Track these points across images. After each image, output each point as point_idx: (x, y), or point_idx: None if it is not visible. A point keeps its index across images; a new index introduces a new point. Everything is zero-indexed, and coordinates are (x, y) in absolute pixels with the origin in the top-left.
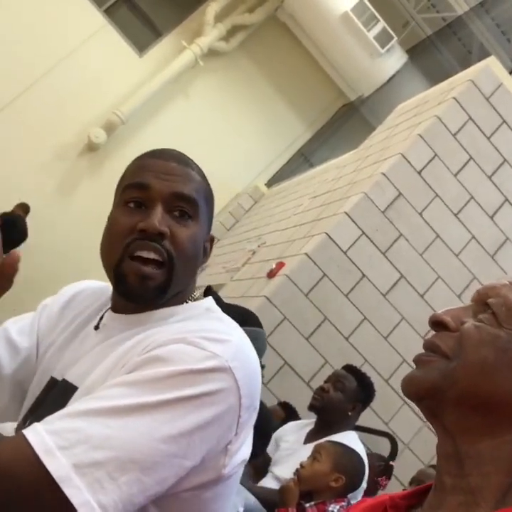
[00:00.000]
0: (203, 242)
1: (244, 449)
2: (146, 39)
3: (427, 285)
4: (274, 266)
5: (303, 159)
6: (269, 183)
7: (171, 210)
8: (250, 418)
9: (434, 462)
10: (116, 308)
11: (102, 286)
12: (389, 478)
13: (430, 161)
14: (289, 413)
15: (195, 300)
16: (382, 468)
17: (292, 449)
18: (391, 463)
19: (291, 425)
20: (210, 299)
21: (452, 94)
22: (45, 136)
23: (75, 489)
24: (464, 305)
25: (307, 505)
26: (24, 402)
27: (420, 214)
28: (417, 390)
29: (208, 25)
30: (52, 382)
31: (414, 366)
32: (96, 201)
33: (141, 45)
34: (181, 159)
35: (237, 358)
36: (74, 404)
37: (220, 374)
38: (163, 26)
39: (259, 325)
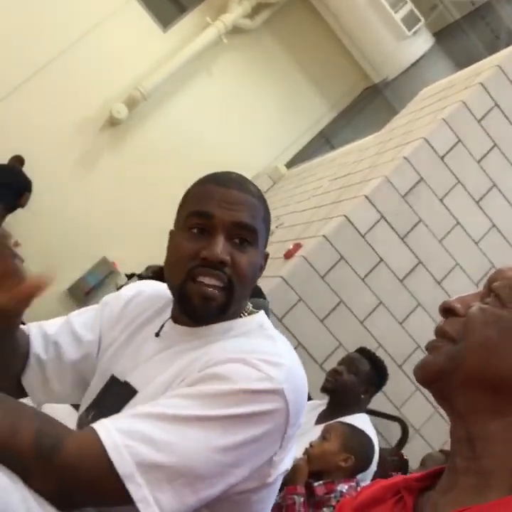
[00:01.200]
0: (260, 262)
1: (286, 460)
2: (171, 14)
3: (445, 272)
4: (291, 247)
5: (324, 141)
6: (289, 164)
7: (231, 238)
8: (294, 433)
9: (445, 448)
10: (176, 319)
11: (159, 290)
12: (405, 473)
13: (453, 146)
14: None
15: (249, 314)
16: (396, 462)
17: (304, 429)
18: (405, 457)
19: None
20: (262, 314)
21: (478, 80)
22: (67, 110)
23: (136, 486)
24: (475, 292)
25: (315, 484)
26: (86, 393)
27: (441, 200)
28: (426, 375)
29: (233, 1)
30: (113, 381)
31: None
32: (116, 176)
33: (165, 21)
34: (242, 186)
35: (289, 380)
36: (139, 408)
37: (273, 395)
38: (187, 2)
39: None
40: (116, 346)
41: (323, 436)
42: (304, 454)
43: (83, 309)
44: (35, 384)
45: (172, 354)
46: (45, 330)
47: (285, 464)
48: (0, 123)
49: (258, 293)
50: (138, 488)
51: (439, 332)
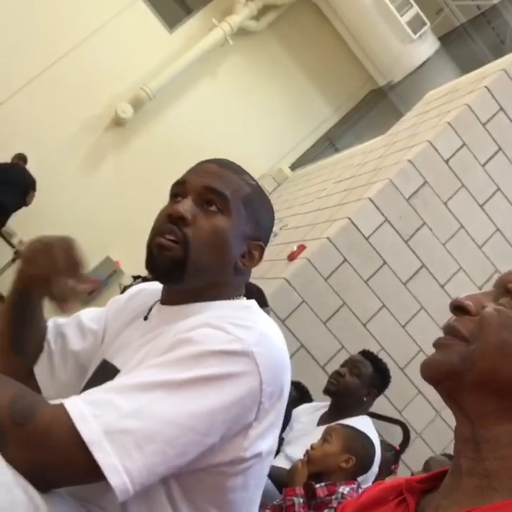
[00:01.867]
0: (246, 245)
1: (266, 440)
2: (177, 15)
3: (448, 276)
4: (294, 248)
5: (328, 143)
6: (294, 166)
7: (201, 203)
8: (273, 408)
9: (446, 452)
10: (163, 300)
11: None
12: (396, 461)
13: (458, 150)
14: (301, 393)
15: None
16: (395, 455)
17: (305, 431)
18: (397, 447)
19: (305, 407)
20: (252, 301)
21: (484, 83)
22: (73, 109)
23: (103, 453)
24: (486, 290)
25: (317, 486)
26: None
27: (445, 203)
28: (435, 373)
29: (239, 3)
30: (103, 364)
31: (434, 350)
32: (120, 176)
33: (171, 22)
34: (225, 163)
35: (260, 344)
36: (109, 382)
37: (242, 357)
38: (193, 3)
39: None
40: (112, 332)
41: (324, 438)
42: (305, 455)
43: (92, 308)
44: (45, 375)
45: (155, 334)
46: (56, 323)
47: (262, 444)
48: (6, 122)
49: (261, 300)
50: (106, 456)
51: (450, 330)
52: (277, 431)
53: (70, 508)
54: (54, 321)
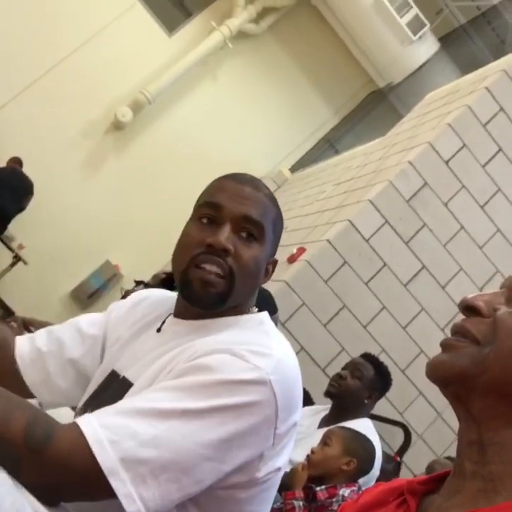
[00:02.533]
0: (266, 264)
1: (281, 458)
2: (176, 19)
3: (449, 277)
4: (294, 251)
5: (328, 145)
6: (293, 169)
7: (238, 231)
8: (289, 432)
9: (447, 454)
10: (178, 313)
11: (168, 294)
12: (397, 473)
13: (458, 151)
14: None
15: (252, 314)
16: (395, 467)
17: (306, 433)
18: (397, 457)
19: (306, 410)
20: (265, 314)
21: (484, 84)
22: (72, 113)
23: (120, 482)
24: (495, 291)
25: (317, 489)
26: (86, 389)
27: (445, 204)
28: (445, 375)
29: (239, 6)
30: (113, 375)
31: (440, 350)
32: (120, 179)
33: (170, 25)
34: (255, 185)
35: (277, 372)
36: (124, 402)
37: (260, 386)
38: (193, 6)
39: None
40: (120, 344)
41: (324, 442)
42: (306, 459)
43: (91, 313)
44: (38, 380)
45: (168, 348)
46: (50, 329)
47: (278, 462)
48: (5, 126)
49: (271, 304)
50: (122, 485)
51: (460, 330)
52: (292, 446)
53: None
54: (46, 329)
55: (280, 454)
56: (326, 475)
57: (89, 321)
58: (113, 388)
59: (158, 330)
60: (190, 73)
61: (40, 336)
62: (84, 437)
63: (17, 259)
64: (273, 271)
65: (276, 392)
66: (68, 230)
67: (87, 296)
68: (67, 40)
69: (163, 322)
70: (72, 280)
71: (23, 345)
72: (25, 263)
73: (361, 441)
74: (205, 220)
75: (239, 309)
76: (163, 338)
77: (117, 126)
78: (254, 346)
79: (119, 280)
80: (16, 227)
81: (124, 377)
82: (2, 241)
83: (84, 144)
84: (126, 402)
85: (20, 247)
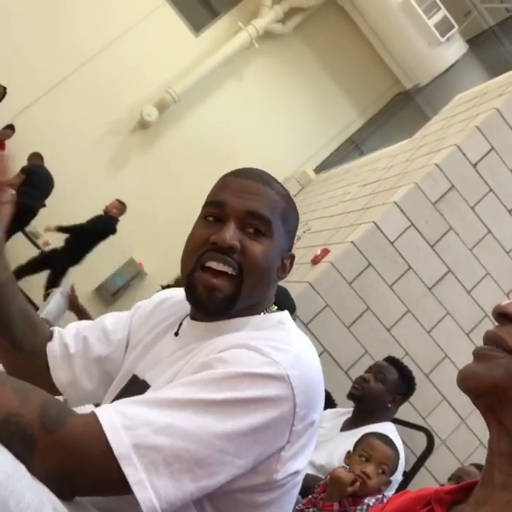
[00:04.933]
0: (280, 258)
1: (299, 460)
2: (203, 18)
3: (475, 281)
4: (318, 252)
5: (353, 147)
6: (318, 169)
7: (244, 227)
8: (306, 431)
9: (470, 460)
10: (194, 315)
11: None
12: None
13: (486, 154)
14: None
15: (271, 313)
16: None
17: (328, 436)
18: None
19: (328, 412)
20: (285, 313)
21: None
22: (98, 112)
23: (132, 468)
24: None
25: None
26: (108, 391)
27: (472, 208)
28: (478, 387)
29: (265, 6)
30: (134, 380)
31: (465, 355)
32: (145, 178)
33: (197, 25)
34: (261, 178)
35: (296, 367)
36: (141, 395)
37: (277, 381)
38: (220, 6)
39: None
40: (141, 347)
41: (365, 457)
42: (357, 477)
43: (118, 312)
44: (64, 379)
45: (185, 351)
46: (79, 326)
47: (296, 464)
48: (33, 125)
49: (289, 303)
50: (134, 471)
51: (494, 338)
52: (311, 449)
53: None
54: (76, 325)
55: (299, 456)
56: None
57: (114, 321)
58: (133, 391)
59: (176, 333)
60: (216, 73)
61: (68, 334)
62: (99, 422)
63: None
64: (291, 266)
65: (294, 388)
66: None
67: (111, 293)
68: (94, 39)
69: (180, 325)
70: (96, 278)
71: (53, 343)
72: None
73: (398, 455)
74: (210, 219)
75: (256, 308)
76: (181, 342)
77: (143, 125)
78: (272, 342)
79: (143, 278)
80: (42, 224)
81: (144, 380)
82: (28, 238)
83: (110, 142)
84: (144, 395)
85: (46, 244)
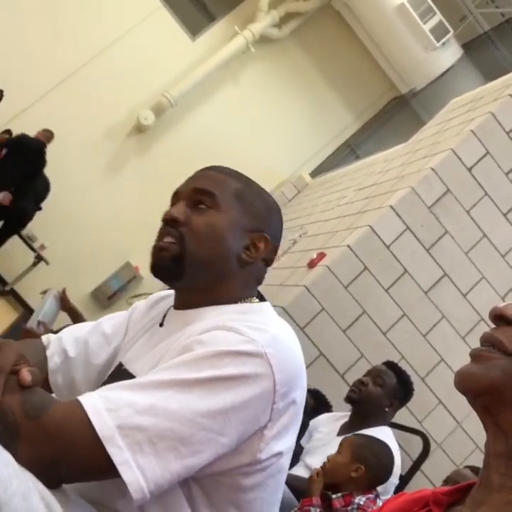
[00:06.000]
0: (245, 236)
1: (282, 441)
2: (200, 23)
3: (471, 285)
4: (315, 256)
5: (349, 151)
6: (314, 173)
7: (193, 205)
8: (287, 409)
9: (466, 463)
10: (175, 304)
11: None
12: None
13: (481, 158)
14: (319, 401)
15: (252, 303)
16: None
17: (325, 440)
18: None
19: (325, 416)
20: (266, 303)
21: (508, 91)
22: (95, 115)
23: (116, 448)
24: None
25: (334, 496)
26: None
27: (468, 212)
28: (475, 387)
29: (262, 11)
30: (119, 369)
31: (462, 358)
32: (141, 182)
33: (194, 29)
34: (212, 167)
35: (273, 345)
36: (125, 381)
37: (255, 358)
38: (216, 10)
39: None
40: (131, 338)
41: (338, 450)
42: (322, 467)
43: (115, 313)
44: (61, 382)
45: (170, 340)
46: (76, 332)
47: (279, 445)
48: (30, 128)
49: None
50: (118, 451)
51: (490, 339)
52: (295, 431)
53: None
54: (71, 331)
55: (282, 436)
56: (338, 483)
57: (113, 323)
58: (117, 379)
59: (161, 324)
60: (213, 77)
61: (67, 339)
62: (82, 407)
63: (39, 259)
64: (266, 247)
65: (272, 365)
66: (89, 232)
67: (107, 297)
68: (91, 43)
69: (164, 316)
70: (92, 281)
71: (51, 350)
72: (47, 263)
73: (372, 447)
74: None
75: (232, 289)
76: (165, 332)
77: (140, 129)
78: (249, 323)
79: (139, 282)
80: (38, 227)
81: (126, 370)
82: (24, 241)
83: (106, 146)
84: (128, 380)
85: (42, 247)
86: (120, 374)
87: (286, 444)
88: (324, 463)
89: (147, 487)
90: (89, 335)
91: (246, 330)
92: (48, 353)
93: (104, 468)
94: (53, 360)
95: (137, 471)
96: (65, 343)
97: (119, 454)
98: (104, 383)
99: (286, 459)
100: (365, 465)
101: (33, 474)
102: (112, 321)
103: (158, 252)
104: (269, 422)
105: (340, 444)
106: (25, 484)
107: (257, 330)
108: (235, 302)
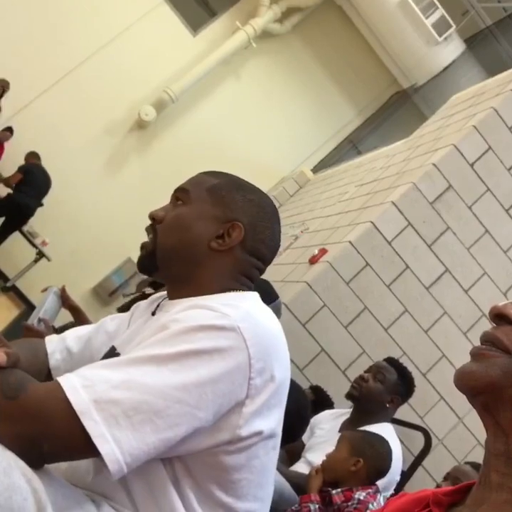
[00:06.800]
0: (213, 225)
1: (265, 420)
2: (201, 18)
3: (472, 281)
4: (316, 252)
5: (351, 146)
6: (315, 169)
7: (174, 203)
8: (266, 386)
9: (468, 459)
10: (167, 296)
11: None
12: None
13: (484, 153)
14: (320, 397)
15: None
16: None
17: (326, 437)
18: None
19: (327, 413)
20: (252, 293)
21: (510, 87)
22: (96, 111)
23: (92, 422)
24: None
25: (333, 492)
26: None
27: (470, 207)
28: (474, 386)
29: (263, 6)
30: (112, 352)
31: (462, 354)
32: (143, 178)
33: (195, 25)
34: (207, 171)
35: (246, 320)
36: (103, 360)
37: (229, 332)
38: (218, 6)
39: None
40: (125, 325)
41: (336, 446)
42: (321, 464)
43: (117, 314)
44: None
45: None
46: (79, 331)
47: (261, 424)
48: (30, 124)
49: (269, 296)
50: (94, 425)
51: (491, 338)
52: (278, 412)
53: (69, 491)
54: (76, 330)
55: (262, 413)
56: (337, 478)
57: (115, 322)
58: None
59: (153, 313)
60: (214, 72)
61: (69, 337)
62: (59, 385)
63: (40, 255)
64: (239, 235)
65: (246, 339)
66: (91, 228)
67: (109, 293)
68: (92, 39)
69: (157, 306)
70: (93, 277)
71: (54, 349)
72: (48, 259)
73: (369, 440)
74: None
75: (210, 276)
76: (154, 319)
77: (141, 124)
78: (223, 300)
79: (140, 278)
80: (39, 224)
81: (119, 353)
82: (26, 237)
83: (107, 142)
84: (106, 360)
85: (44, 243)
86: (112, 357)
87: (270, 424)
88: (323, 460)
89: (123, 459)
90: (92, 333)
91: (219, 306)
92: (49, 350)
93: (82, 444)
94: (54, 357)
95: (113, 443)
96: (68, 341)
97: (95, 427)
98: None
99: (273, 442)
100: (364, 457)
101: (15, 454)
102: (114, 320)
103: (140, 250)
104: (247, 399)
105: (339, 440)
106: (7, 461)
107: (229, 306)
108: (220, 292)
